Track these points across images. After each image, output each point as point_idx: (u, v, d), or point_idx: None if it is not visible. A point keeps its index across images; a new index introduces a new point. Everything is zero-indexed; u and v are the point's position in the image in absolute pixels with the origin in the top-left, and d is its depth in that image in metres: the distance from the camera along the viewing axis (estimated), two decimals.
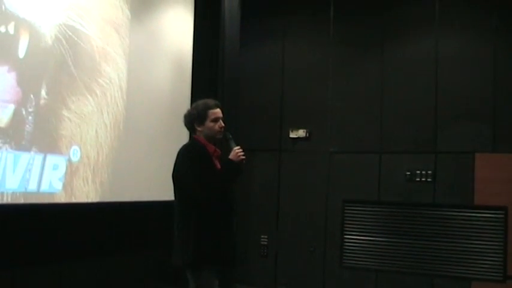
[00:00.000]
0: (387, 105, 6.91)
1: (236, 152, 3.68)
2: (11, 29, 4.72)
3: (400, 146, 6.80)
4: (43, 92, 5.04)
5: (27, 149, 4.87)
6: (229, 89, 6.93)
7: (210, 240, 3.51)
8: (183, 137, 4.52)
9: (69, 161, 5.30)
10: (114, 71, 5.86)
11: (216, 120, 3.70)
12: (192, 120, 3.72)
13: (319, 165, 7.22)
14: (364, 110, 7.03)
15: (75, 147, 5.36)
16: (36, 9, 4.94)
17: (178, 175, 3.62)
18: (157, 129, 6.45)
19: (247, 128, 7.33)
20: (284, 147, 7.47)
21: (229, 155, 3.72)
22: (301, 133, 7.32)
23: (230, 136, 3.80)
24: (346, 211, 7.04)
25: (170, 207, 3.79)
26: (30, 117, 4.90)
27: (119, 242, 5.91)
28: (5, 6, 4.65)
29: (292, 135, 7.37)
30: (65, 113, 5.25)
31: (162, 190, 5.49)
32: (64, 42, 5.22)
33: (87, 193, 5.51)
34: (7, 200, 4.69)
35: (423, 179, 6.60)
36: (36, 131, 4.94)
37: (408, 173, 6.69)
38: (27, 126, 4.88)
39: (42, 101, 5.02)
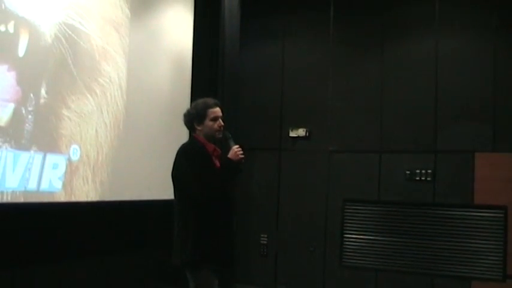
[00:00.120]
0: (387, 104, 6.91)
1: (235, 151, 3.67)
2: (10, 28, 4.72)
3: (400, 146, 6.80)
4: (43, 91, 5.04)
5: (27, 148, 4.87)
6: (229, 88, 6.93)
7: (209, 240, 3.51)
8: (182, 136, 4.51)
9: (69, 160, 5.30)
10: (114, 70, 5.86)
11: (215, 119, 3.70)
12: (192, 119, 3.73)
13: (319, 165, 7.22)
14: (364, 109, 7.03)
15: (75, 147, 5.37)
16: (35, 8, 4.94)
17: (178, 174, 3.62)
18: (157, 128, 6.45)
19: (247, 127, 7.33)
20: (284, 146, 7.47)
21: (228, 154, 3.71)
22: (301, 132, 7.32)
23: (229, 135, 3.80)
24: (346, 210, 7.04)
25: (170, 206, 3.80)
26: (30, 116, 4.90)
27: (119, 241, 5.91)
28: (4, 5, 4.65)
29: (292, 134, 7.37)
30: (64, 112, 5.25)
31: (162, 189, 5.49)
32: (64, 41, 5.22)
33: (87, 192, 5.51)
34: (7, 199, 4.69)
35: (423, 179, 6.60)
36: (36, 130, 4.94)
37: (408, 172, 6.69)
38: (27, 125, 4.88)
39: (42, 100, 5.02)
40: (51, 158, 5.10)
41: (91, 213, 5.56)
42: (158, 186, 5.96)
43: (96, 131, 5.63)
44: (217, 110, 3.73)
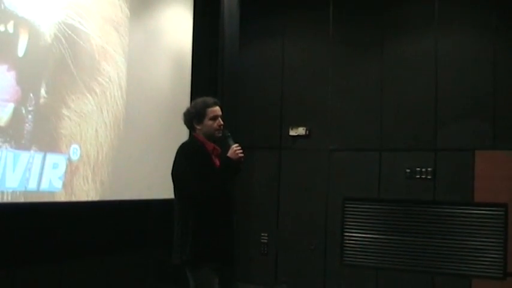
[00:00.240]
0: (387, 103, 6.91)
1: (235, 149, 3.67)
2: (10, 27, 4.72)
3: (400, 144, 6.80)
4: (43, 91, 5.04)
5: (27, 148, 4.87)
6: (228, 87, 6.93)
7: (209, 239, 3.51)
8: (182, 135, 4.51)
9: (69, 159, 5.31)
10: (113, 69, 5.86)
11: (214, 118, 3.70)
12: (191, 118, 3.72)
13: (319, 163, 7.22)
14: (364, 108, 7.03)
15: (75, 146, 5.37)
16: (35, 7, 4.94)
17: (178, 173, 3.62)
18: (157, 127, 6.45)
19: (247, 126, 7.33)
20: (284, 145, 7.47)
21: (228, 153, 3.71)
22: (301, 131, 7.32)
23: (229, 134, 3.80)
24: (346, 209, 7.04)
25: (170, 205, 3.80)
26: (30, 116, 4.90)
27: (119, 241, 5.92)
28: (4, 5, 4.65)
29: (292, 133, 7.37)
30: (64, 111, 5.25)
31: (162, 188, 5.50)
32: (63, 40, 5.22)
33: (87, 192, 5.51)
34: (7, 199, 4.70)
35: (423, 177, 6.60)
36: (36, 129, 4.95)
37: (408, 170, 6.69)
38: (27, 125, 4.88)
39: (41, 100, 5.03)
40: (51, 157, 5.10)
41: (91, 213, 5.56)
42: (158, 185, 5.96)
43: (96, 130, 5.63)
44: (216, 109, 3.73)
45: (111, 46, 5.82)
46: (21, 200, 4.83)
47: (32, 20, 4.92)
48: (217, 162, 3.70)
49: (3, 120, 4.66)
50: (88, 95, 5.52)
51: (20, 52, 4.83)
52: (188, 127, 3.79)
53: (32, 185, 4.93)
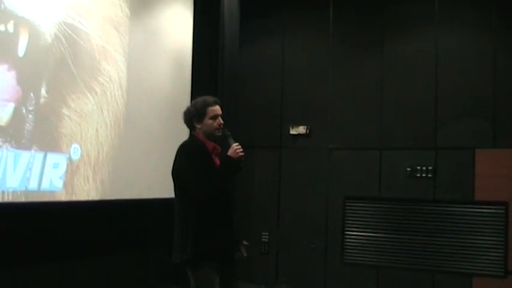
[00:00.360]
0: (387, 101, 6.92)
1: (235, 148, 3.67)
2: (10, 27, 4.72)
3: (401, 142, 6.80)
4: (43, 91, 5.04)
5: (27, 148, 4.88)
6: (229, 87, 6.93)
7: (209, 238, 3.51)
8: (183, 134, 4.51)
9: (70, 159, 5.31)
10: (113, 69, 5.86)
11: (215, 117, 3.70)
12: (191, 117, 3.72)
13: (319, 162, 7.22)
14: (364, 107, 7.03)
15: (75, 146, 5.37)
16: (35, 7, 4.94)
17: (178, 173, 3.63)
18: (157, 127, 6.45)
19: (247, 125, 7.33)
20: (284, 144, 7.47)
21: (228, 152, 3.71)
22: (301, 130, 7.32)
23: (229, 133, 3.80)
24: (346, 207, 7.05)
25: (170, 204, 3.80)
26: (30, 116, 4.90)
27: (120, 240, 5.92)
28: (4, 5, 4.65)
29: (293, 131, 7.37)
30: (65, 111, 5.25)
31: (163, 188, 5.50)
32: (64, 40, 5.22)
33: (87, 191, 5.52)
34: (8, 198, 4.70)
35: (424, 175, 6.60)
36: (36, 129, 4.95)
37: (409, 169, 6.69)
38: (28, 124, 4.88)
39: (42, 100, 5.03)
40: (51, 157, 5.11)
41: (92, 212, 5.57)
42: (158, 184, 5.97)
43: (97, 130, 5.63)
44: (216, 108, 3.73)
45: (111, 46, 5.82)
46: (22, 199, 4.83)
47: (32, 20, 4.92)
48: (218, 161, 3.71)
49: (3, 120, 4.66)
50: (88, 94, 5.53)
51: (20, 52, 4.83)
52: (188, 126, 3.79)
53: (33, 185, 4.93)
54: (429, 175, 6.59)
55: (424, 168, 6.61)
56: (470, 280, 6.32)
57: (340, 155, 7.13)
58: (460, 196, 6.45)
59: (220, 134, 3.73)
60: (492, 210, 6.29)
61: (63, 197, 5.23)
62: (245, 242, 3.95)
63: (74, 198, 5.34)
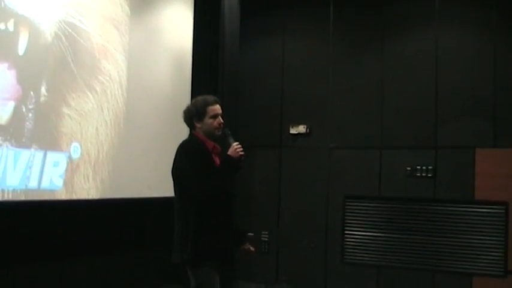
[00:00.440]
0: (387, 100, 6.91)
1: (235, 148, 3.67)
2: (10, 26, 4.72)
3: (401, 142, 6.80)
4: (43, 89, 5.04)
5: (27, 146, 4.87)
6: (229, 86, 6.92)
7: (209, 237, 3.51)
8: (183, 133, 4.51)
9: (70, 158, 5.31)
10: (114, 68, 5.86)
11: (215, 116, 3.69)
12: (191, 116, 3.72)
13: (319, 161, 7.22)
14: (365, 106, 7.03)
15: (75, 145, 5.37)
16: (35, 6, 4.94)
17: (178, 172, 3.63)
18: (157, 126, 6.45)
19: (247, 124, 7.33)
20: (284, 143, 7.47)
21: (228, 151, 3.71)
22: (301, 129, 7.32)
23: (229, 132, 3.79)
24: (347, 207, 7.05)
25: (170, 204, 3.80)
26: (30, 115, 4.90)
27: (120, 239, 5.92)
28: (4, 3, 4.65)
29: (293, 131, 7.37)
30: (65, 110, 5.25)
31: (163, 187, 5.50)
32: (64, 39, 5.22)
33: (87, 190, 5.52)
34: (8, 197, 4.70)
35: (424, 174, 6.60)
36: (36, 128, 4.95)
37: (409, 168, 6.69)
38: (28, 123, 4.88)
39: (42, 98, 5.03)
40: (51, 156, 5.10)
41: (92, 211, 5.56)
42: (159, 184, 5.97)
43: (97, 129, 5.63)
44: (216, 108, 3.72)
45: (111, 44, 5.82)
46: (22, 198, 4.83)
47: (32, 19, 4.92)
48: (218, 160, 3.70)
49: (3, 119, 4.66)
50: (88, 93, 5.53)
51: (21, 50, 4.83)
52: (188, 125, 3.79)
53: (33, 184, 4.93)
54: (429, 174, 6.59)
55: (424, 167, 6.61)
56: (470, 280, 6.33)
57: (340, 154, 7.13)
58: (460, 195, 6.45)
59: (220, 133, 3.73)
60: (492, 209, 6.30)
61: (63, 195, 5.23)
62: (250, 234, 3.95)
63: (74, 197, 5.34)
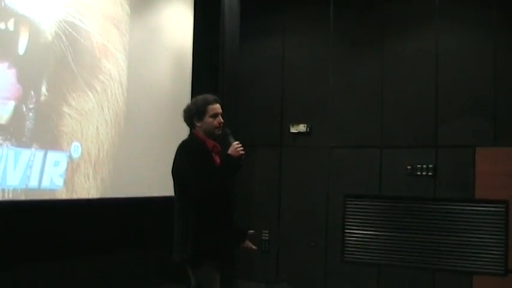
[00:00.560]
0: (387, 99, 6.91)
1: (235, 147, 3.66)
2: (10, 25, 4.72)
3: (401, 141, 6.80)
4: (43, 89, 5.04)
5: (28, 146, 4.88)
6: (229, 85, 6.93)
7: (210, 237, 3.51)
8: (183, 132, 4.52)
9: (70, 157, 5.31)
10: (114, 67, 5.86)
11: (215, 115, 3.69)
12: (191, 115, 3.72)
13: (320, 160, 7.22)
14: (365, 105, 7.03)
15: (76, 144, 5.37)
16: (35, 5, 4.94)
17: (178, 171, 3.63)
18: (158, 125, 6.45)
19: (248, 123, 7.33)
20: (285, 142, 7.47)
21: (228, 150, 3.71)
22: (301, 128, 7.32)
23: (229, 131, 3.79)
24: (347, 206, 7.05)
25: (171, 203, 3.80)
26: (30, 114, 4.90)
27: (120, 239, 5.92)
28: (4, 3, 4.65)
29: (293, 130, 7.37)
30: (65, 109, 5.26)
31: (163, 186, 5.49)
32: (64, 38, 5.22)
33: (88, 189, 5.52)
34: (8, 196, 4.70)
35: (424, 173, 6.60)
36: (36, 127, 4.95)
37: (409, 167, 6.69)
38: (28, 122, 4.89)
39: (42, 98, 5.03)
40: (52, 155, 5.11)
41: (92, 211, 5.57)
42: (159, 183, 5.96)
43: (97, 128, 5.63)
44: (217, 107, 3.72)
45: (111, 44, 5.82)
46: (22, 197, 4.84)
47: (32, 18, 4.92)
48: (218, 160, 3.70)
49: (4, 118, 4.66)
50: (89, 92, 5.53)
51: (21, 50, 4.83)
52: (188, 124, 3.79)
53: (33, 183, 4.94)
54: (429, 173, 6.59)
55: (424, 166, 6.61)
56: (471, 278, 6.33)
57: (340, 153, 7.13)
58: (460, 194, 6.45)
59: (219, 132, 3.73)
60: (492, 208, 6.29)
61: (63, 195, 5.24)
62: (251, 231, 3.95)
63: (74, 196, 5.35)
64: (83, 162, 5.46)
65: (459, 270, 6.37)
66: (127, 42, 6.03)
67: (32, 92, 4.92)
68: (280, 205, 7.43)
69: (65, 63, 5.25)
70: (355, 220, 6.99)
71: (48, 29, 5.08)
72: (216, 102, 3.74)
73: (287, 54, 7.54)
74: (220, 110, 3.74)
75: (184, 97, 6.60)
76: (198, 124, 3.71)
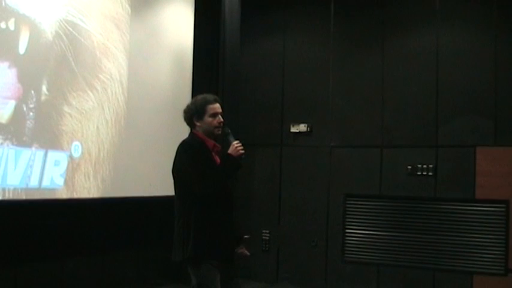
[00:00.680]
0: (388, 99, 6.91)
1: (235, 146, 3.66)
2: (11, 25, 4.73)
3: (401, 140, 6.80)
4: (44, 88, 5.05)
5: (28, 145, 4.89)
6: (229, 84, 6.92)
7: (209, 236, 3.51)
8: (183, 132, 4.52)
9: (71, 157, 5.32)
10: (114, 66, 5.87)
11: (214, 115, 3.69)
12: (191, 115, 3.72)
13: (320, 160, 7.22)
14: (365, 104, 7.02)
15: (76, 143, 5.38)
16: (36, 5, 4.95)
17: (178, 170, 3.62)
18: (158, 124, 6.46)
19: (248, 123, 7.33)
20: (285, 141, 7.47)
21: (228, 150, 3.71)
22: (302, 128, 7.31)
23: (229, 131, 3.79)
24: (347, 205, 7.05)
25: (171, 202, 3.80)
26: (31, 114, 4.91)
27: (120, 238, 5.93)
28: (5, 2, 4.67)
29: (294, 129, 7.36)
30: (66, 109, 5.26)
31: (163, 185, 5.51)
32: (64, 38, 5.23)
33: (88, 189, 5.52)
34: (9, 196, 4.71)
35: (424, 173, 6.60)
36: (37, 127, 4.96)
37: (409, 167, 6.68)
38: (28, 122, 4.89)
39: (43, 97, 5.04)
40: (52, 155, 5.11)
41: (92, 210, 5.58)
42: (159, 182, 5.98)
43: (97, 127, 5.64)
44: (216, 106, 3.72)
45: (112, 43, 5.83)
46: (23, 197, 4.84)
47: (33, 18, 4.93)
48: (218, 159, 3.70)
49: (4, 118, 4.67)
50: (89, 92, 5.54)
51: (21, 49, 4.84)
52: (188, 124, 3.79)
53: (34, 182, 4.94)
54: (430, 173, 6.58)
55: (424, 166, 6.61)
56: (471, 278, 6.32)
57: (341, 153, 7.13)
58: (461, 194, 6.44)
59: (219, 132, 3.72)
60: (493, 208, 6.29)
61: (64, 194, 5.25)
62: (246, 236, 3.95)
63: (75, 195, 5.35)
64: (83, 161, 5.46)
65: (459, 270, 6.37)
66: (127, 42, 6.04)
67: (33, 92, 4.93)
68: (281, 204, 7.43)
69: (66, 63, 5.26)
70: (356, 220, 6.99)
71: (49, 29, 5.09)
72: (216, 101, 3.74)
73: (287, 54, 7.54)
74: (219, 110, 3.73)
75: (185, 97, 6.60)
76: (198, 124, 3.70)
